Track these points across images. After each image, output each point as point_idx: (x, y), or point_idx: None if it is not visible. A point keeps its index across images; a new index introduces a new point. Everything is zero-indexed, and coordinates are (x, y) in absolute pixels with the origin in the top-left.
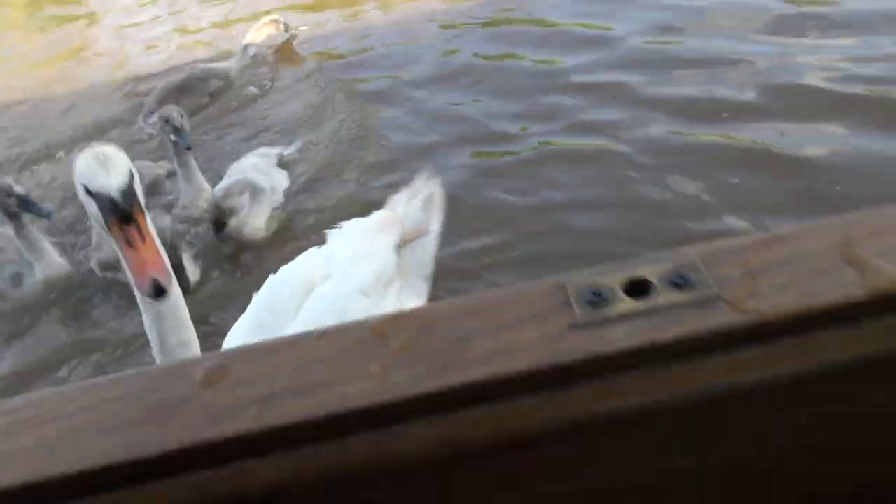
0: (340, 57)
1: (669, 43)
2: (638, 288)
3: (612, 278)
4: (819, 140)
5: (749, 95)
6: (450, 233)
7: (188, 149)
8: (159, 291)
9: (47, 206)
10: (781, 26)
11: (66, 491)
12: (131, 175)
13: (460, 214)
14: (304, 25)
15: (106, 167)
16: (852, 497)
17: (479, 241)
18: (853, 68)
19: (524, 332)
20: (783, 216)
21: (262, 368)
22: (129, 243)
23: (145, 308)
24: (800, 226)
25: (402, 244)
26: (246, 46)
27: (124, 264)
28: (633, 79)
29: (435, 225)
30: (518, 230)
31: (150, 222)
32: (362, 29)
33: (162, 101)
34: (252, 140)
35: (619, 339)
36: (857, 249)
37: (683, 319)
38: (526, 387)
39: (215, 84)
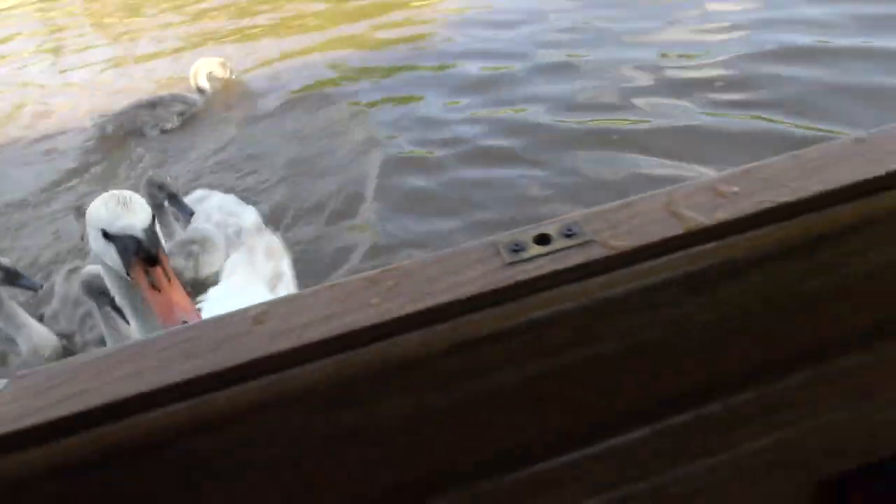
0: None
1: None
2: (543, 239)
3: (526, 235)
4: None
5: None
6: None
7: (191, 215)
8: None
9: (35, 279)
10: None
11: (168, 399)
12: (153, 216)
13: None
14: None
15: (128, 208)
16: (692, 386)
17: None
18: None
19: (471, 271)
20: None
21: (293, 310)
22: (154, 286)
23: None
24: (642, 195)
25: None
26: (199, 86)
27: (147, 306)
28: None
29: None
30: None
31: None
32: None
33: (133, 113)
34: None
35: (532, 270)
36: (676, 207)
37: (572, 255)
38: (475, 306)
39: (181, 107)
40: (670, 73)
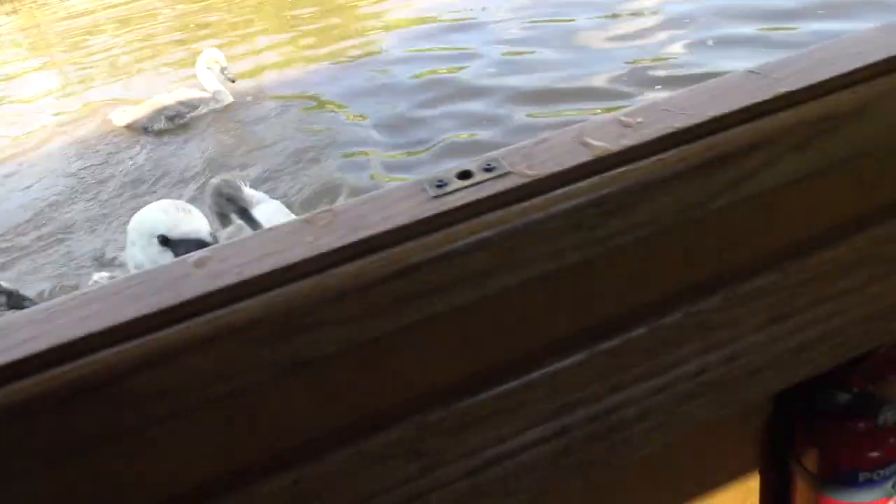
0: None
1: None
2: (465, 175)
3: (449, 173)
4: None
5: None
6: None
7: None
8: None
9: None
10: None
11: (115, 339)
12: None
13: None
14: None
15: (190, 213)
16: (617, 310)
17: None
18: None
19: (399, 206)
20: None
21: (233, 253)
22: None
23: None
24: (556, 132)
25: None
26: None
27: None
28: None
29: None
30: None
31: None
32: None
33: (156, 114)
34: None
35: (454, 201)
36: (586, 138)
37: (491, 186)
38: (404, 237)
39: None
40: (625, 69)
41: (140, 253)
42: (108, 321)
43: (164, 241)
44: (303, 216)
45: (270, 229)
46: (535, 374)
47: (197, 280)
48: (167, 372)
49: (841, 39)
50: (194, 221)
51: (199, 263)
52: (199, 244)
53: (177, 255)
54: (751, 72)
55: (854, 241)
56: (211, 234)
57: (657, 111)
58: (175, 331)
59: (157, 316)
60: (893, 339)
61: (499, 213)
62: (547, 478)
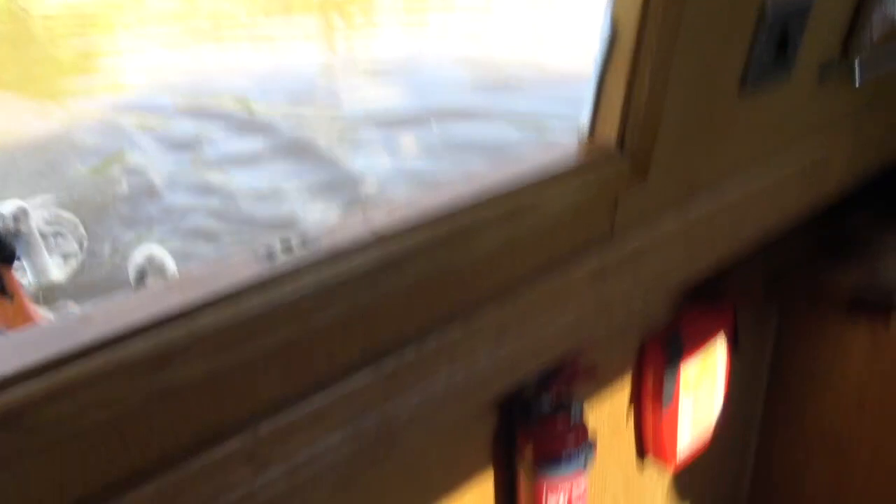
0: None
1: None
2: (288, 248)
3: (276, 245)
4: None
5: None
6: None
7: None
8: None
9: None
10: None
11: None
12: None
13: None
14: None
15: None
16: (393, 338)
17: None
18: None
19: (238, 272)
20: None
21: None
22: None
23: None
24: (346, 218)
25: None
26: None
27: None
28: None
29: None
30: None
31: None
32: None
33: None
34: None
35: (281, 268)
36: (371, 221)
37: (311, 255)
38: (243, 292)
39: None
40: None
41: None
42: (16, 364)
43: None
44: (163, 282)
45: (138, 292)
46: (336, 392)
47: (87, 329)
48: (63, 404)
49: (526, 154)
50: None
51: (85, 320)
52: None
53: None
54: (467, 177)
55: (542, 285)
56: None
57: (412, 203)
58: (72, 370)
59: (58, 360)
60: (579, 345)
61: (312, 277)
62: (344, 476)
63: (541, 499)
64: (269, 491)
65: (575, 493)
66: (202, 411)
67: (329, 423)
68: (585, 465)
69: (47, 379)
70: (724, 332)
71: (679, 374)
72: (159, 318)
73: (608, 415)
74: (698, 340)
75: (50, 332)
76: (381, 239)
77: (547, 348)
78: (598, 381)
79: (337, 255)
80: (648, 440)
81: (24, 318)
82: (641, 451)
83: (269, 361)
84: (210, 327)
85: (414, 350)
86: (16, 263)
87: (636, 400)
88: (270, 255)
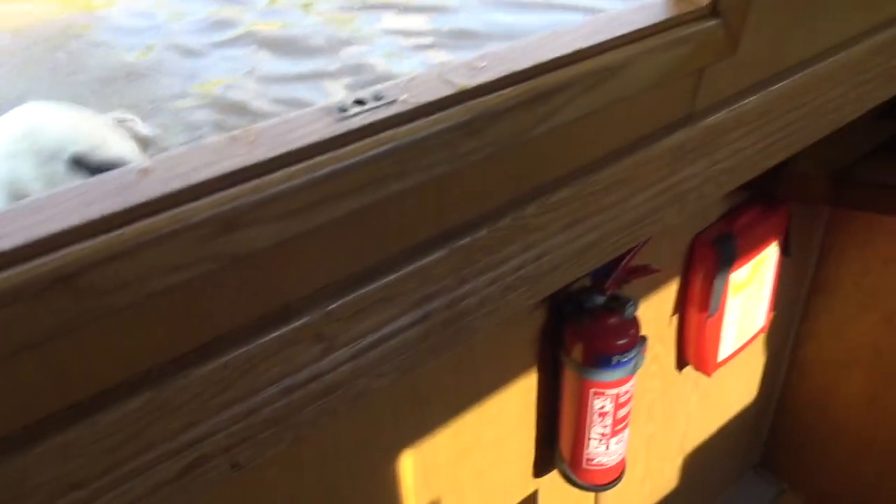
0: None
1: None
2: (361, 102)
3: (349, 100)
4: None
5: None
6: None
7: None
8: None
9: None
10: None
11: (74, 238)
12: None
13: None
14: None
15: (115, 129)
16: (471, 214)
17: None
18: None
19: (313, 126)
20: None
21: (175, 163)
22: None
23: None
24: (421, 72)
25: None
26: None
27: None
28: None
29: None
30: None
31: None
32: None
33: None
34: None
35: (357, 122)
36: (448, 77)
37: (384, 111)
38: (320, 150)
39: None
40: None
41: (28, 170)
42: (69, 222)
43: (77, 162)
44: (229, 134)
45: (202, 145)
46: (408, 268)
47: (148, 184)
48: (124, 266)
49: (609, 13)
50: (123, 143)
51: (144, 173)
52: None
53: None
54: (553, 33)
55: (620, 164)
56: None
57: (496, 58)
58: (133, 229)
59: (119, 216)
60: (640, 241)
61: (389, 133)
62: (409, 360)
63: (586, 402)
64: (334, 373)
65: (622, 399)
66: (271, 283)
67: (399, 303)
68: (634, 369)
69: (104, 237)
70: (778, 235)
71: (728, 281)
72: (225, 174)
73: (652, 318)
74: (752, 245)
75: (106, 185)
76: (463, 94)
77: (619, 237)
78: (650, 280)
79: (416, 111)
80: (689, 348)
81: None
82: (682, 358)
83: (341, 230)
84: (282, 186)
85: (487, 228)
86: None
87: (681, 304)
88: (342, 110)
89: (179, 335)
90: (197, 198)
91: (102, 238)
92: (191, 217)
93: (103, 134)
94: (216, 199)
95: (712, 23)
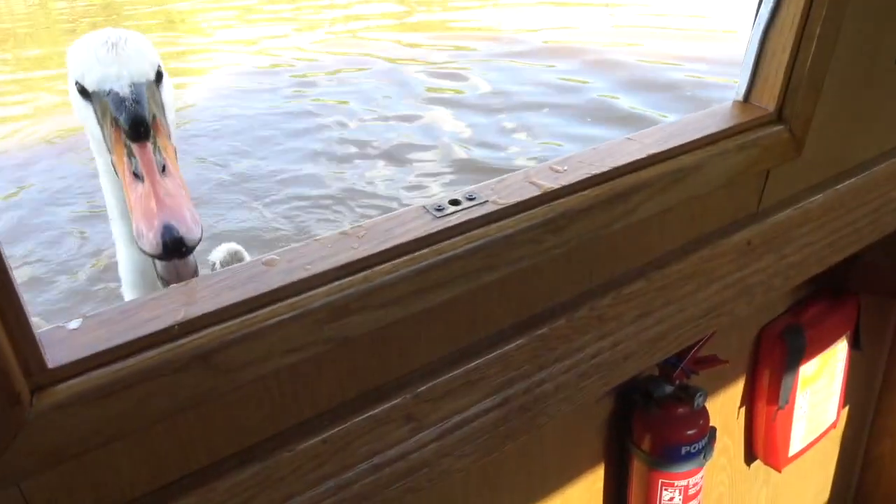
0: None
1: None
2: (455, 202)
3: (444, 201)
4: None
5: None
6: None
7: None
8: (176, 245)
9: None
10: None
11: (217, 319)
12: (159, 73)
13: None
14: None
15: (118, 52)
16: (550, 303)
17: None
18: None
19: (413, 224)
20: None
21: (295, 256)
22: (137, 174)
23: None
24: (509, 174)
25: None
26: None
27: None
28: None
29: None
30: None
31: (174, 146)
32: None
33: None
34: None
35: (453, 221)
36: (532, 179)
37: (475, 211)
38: (420, 246)
39: None
40: None
41: (74, 104)
42: (212, 305)
43: (83, 91)
44: (342, 230)
45: (317, 239)
46: (491, 355)
47: (273, 275)
48: (251, 347)
49: (684, 119)
50: (116, 66)
51: (270, 264)
52: (118, 101)
53: (97, 114)
54: (628, 139)
55: (689, 258)
56: (134, 85)
57: (575, 162)
58: (261, 314)
59: (247, 302)
60: (709, 333)
61: (482, 230)
62: (488, 442)
63: (654, 493)
64: (421, 452)
65: (691, 491)
66: (369, 365)
67: (483, 386)
68: (704, 461)
69: (237, 321)
70: (848, 328)
71: (798, 374)
72: (339, 266)
73: (719, 410)
74: (821, 337)
75: (238, 275)
76: (547, 195)
77: (688, 328)
78: (717, 372)
79: (505, 210)
80: (759, 441)
81: (157, 198)
82: (750, 452)
83: (434, 318)
84: (387, 277)
85: (566, 317)
86: None
87: (748, 396)
88: (439, 209)
89: (286, 411)
90: (314, 287)
91: (236, 321)
92: (309, 304)
93: (100, 56)
94: (331, 287)
95: (778, 128)
